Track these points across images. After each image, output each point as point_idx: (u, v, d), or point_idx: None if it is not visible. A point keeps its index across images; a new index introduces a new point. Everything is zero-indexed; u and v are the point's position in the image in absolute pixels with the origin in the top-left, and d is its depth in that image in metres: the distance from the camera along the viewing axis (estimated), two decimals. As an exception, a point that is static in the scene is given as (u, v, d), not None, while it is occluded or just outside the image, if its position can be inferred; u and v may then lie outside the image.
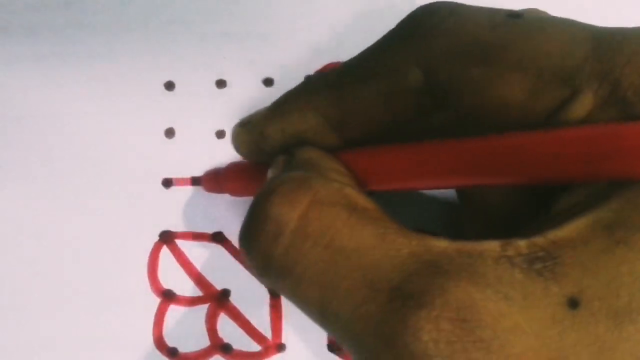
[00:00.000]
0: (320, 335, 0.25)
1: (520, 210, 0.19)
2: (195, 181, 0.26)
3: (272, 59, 0.27)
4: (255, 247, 0.17)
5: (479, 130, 0.17)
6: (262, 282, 0.18)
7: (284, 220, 0.17)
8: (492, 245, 0.15)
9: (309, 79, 0.21)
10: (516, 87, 0.16)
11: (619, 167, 0.15)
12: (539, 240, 0.15)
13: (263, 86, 0.27)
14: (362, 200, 0.17)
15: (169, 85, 0.27)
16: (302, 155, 0.20)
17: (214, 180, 0.25)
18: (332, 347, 0.25)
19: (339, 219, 0.16)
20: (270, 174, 0.21)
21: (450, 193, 0.25)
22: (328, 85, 0.20)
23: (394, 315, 0.15)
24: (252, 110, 0.26)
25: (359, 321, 0.15)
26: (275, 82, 0.27)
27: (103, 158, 0.26)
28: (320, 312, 0.16)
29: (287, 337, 0.25)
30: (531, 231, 0.16)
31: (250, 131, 0.22)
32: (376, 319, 0.15)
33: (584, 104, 0.16)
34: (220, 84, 0.27)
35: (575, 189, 0.17)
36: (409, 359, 0.14)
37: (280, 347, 0.25)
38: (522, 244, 0.15)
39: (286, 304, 0.25)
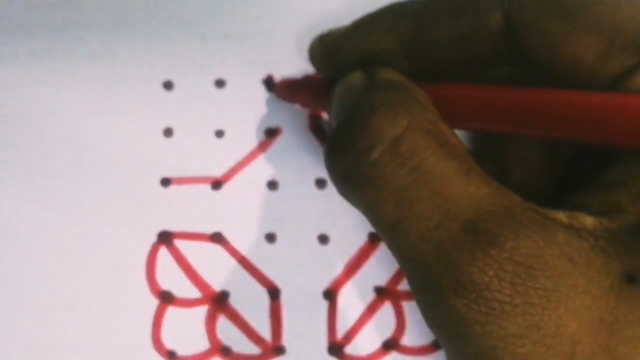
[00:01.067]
0: (321, 338, 0.25)
1: (554, 181, 0.20)
2: (269, 86, 0.26)
3: (271, 58, 0.27)
4: (344, 155, 0.18)
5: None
6: (338, 188, 0.19)
7: (381, 136, 0.17)
8: (560, 215, 0.16)
9: (393, 3, 0.22)
10: (588, 48, 0.17)
11: None
12: (606, 222, 0.16)
13: (262, 86, 0.26)
14: (452, 137, 0.18)
15: (168, 85, 0.26)
16: (387, 76, 0.20)
17: (288, 88, 0.26)
18: (333, 350, 0.25)
19: (430, 147, 0.17)
20: (341, 84, 0.21)
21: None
22: (412, 12, 0.20)
23: (464, 246, 0.16)
24: (251, 110, 0.26)
25: (427, 243, 0.17)
26: (275, 82, 0.26)
27: (101, 157, 0.26)
28: (391, 226, 0.17)
29: (286, 339, 0.25)
30: (584, 200, 0.17)
31: (328, 44, 0.23)
32: (445, 245, 0.16)
33: None
34: (219, 83, 0.27)
35: (628, 161, 0.18)
36: (470, 289, 0.15)
37: (280, 350, 0.25)
38: (588, 220, 0.16)
39: (286, 306, 0.25)
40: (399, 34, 0.20)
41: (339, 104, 0.21)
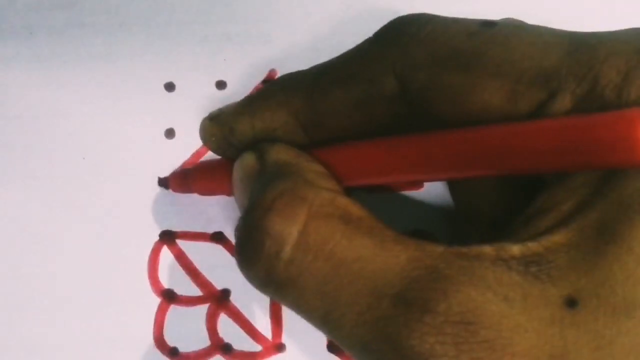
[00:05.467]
0: (320, 336, 0.25)
1: (511, 211, 0.19)
2: (161, 182, 0.26)
3: (271, 60, 0.27)
4: (256, 263, 0.17)
5: None
6: (262, 292, 0.19)
7: (284, 237, 0.17)
8: (487, 249, 0.16)
9: (284, 76, 0.21)
10: (495, 93, 0.17)
11: (592, 157, 0.15)
12: (532, 245, 0.16)
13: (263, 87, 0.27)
14: (355, 209, 0.17)
15: (170, 87, 0.27)
16: (276, 157, 0.20)
17: (182, 180, 0.25)
18: (332, 347, 0.25)
19: (337, 231, 0.17)
20: (237, 169, 0.20)
21: (447, 194, 0.25)
22: (303, 85, 0.20)
23: (399, 320, 0.15)
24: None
25: (363, 326, 0.16)
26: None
27: (103, 158, 0.26)
28: (323, 320, 0.17)
29: (287, 337, 0.25)
30: (513, 231, 0.17)
31: (220, 125, 0.22)
32: (381, 324, 0.16)
33: (562, 104, 0.16)
34: (220, 85, 0.27)
35: (553, 187, 0.17)
36: None
37: (280, 347, 0.25)
38: (514, 248, 0.16)
39: (286, 304, 0.25)
40: (292, 108, 0.20)
41: (238, 197, 0.20)
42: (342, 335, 0.17)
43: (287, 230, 0.17)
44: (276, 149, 0.20)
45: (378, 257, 0.16)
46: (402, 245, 0.16)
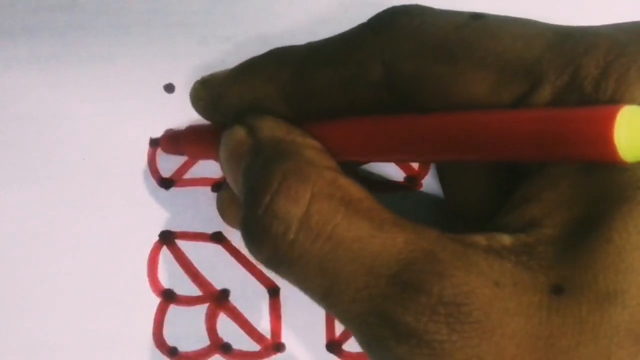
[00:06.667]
0: (319, 335, 0.25)
1: (500, 203, 0.20)
2: (153, 142, 0.26)
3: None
4: (264, 245, 0.18)
5: None
6: (268, 269, 0.19)
7: (289, 218, 0.17)
8: (478, 238, 0.17)
9: (276, 49, 0.22)
10: (479, 84, 0.17)
11: (567, 151, 0.15)
12: (522, 236, 0.17)
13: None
14: (355, 190, 0.18)
15: (169, 88, 0.27)
16: (270, 133, 0.20)
17: (173, 141, 0.25)
18: (331, 347, 0.25)
19: (338, 212, 0.17)
20: (226, 143, 0.21)
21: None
22: (293, 60, 0.20)
23: (395, 299, 0.16)
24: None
25: (361, 302, 0.17)
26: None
27: (103, 159, 0.26)
28: (323, 296, 0.18)
29: (286, 336, 0.25)
30: (498, 218, 0.18)
31: (209, 90, 0.22)
32: (377, 301, 0.16)
33: (542, 96, 0.16)
34: (220, 86, 0.27)
35: (534, 176, 0.17)
36: (409, 335, 0.16)
37: (280, 347, 0.25)
38: (505, 237, 0.17)
39: (285, 304, 0.25)
40: (281, 81, 0.20)
41: (228, 170, 0.21)
42: (340, 310, 0.17)
43: (293, 212, 0.17)
44: (267, 124, 0.20)
45: (376, 238, 0.17)
46: (399, 228, 0.17)
